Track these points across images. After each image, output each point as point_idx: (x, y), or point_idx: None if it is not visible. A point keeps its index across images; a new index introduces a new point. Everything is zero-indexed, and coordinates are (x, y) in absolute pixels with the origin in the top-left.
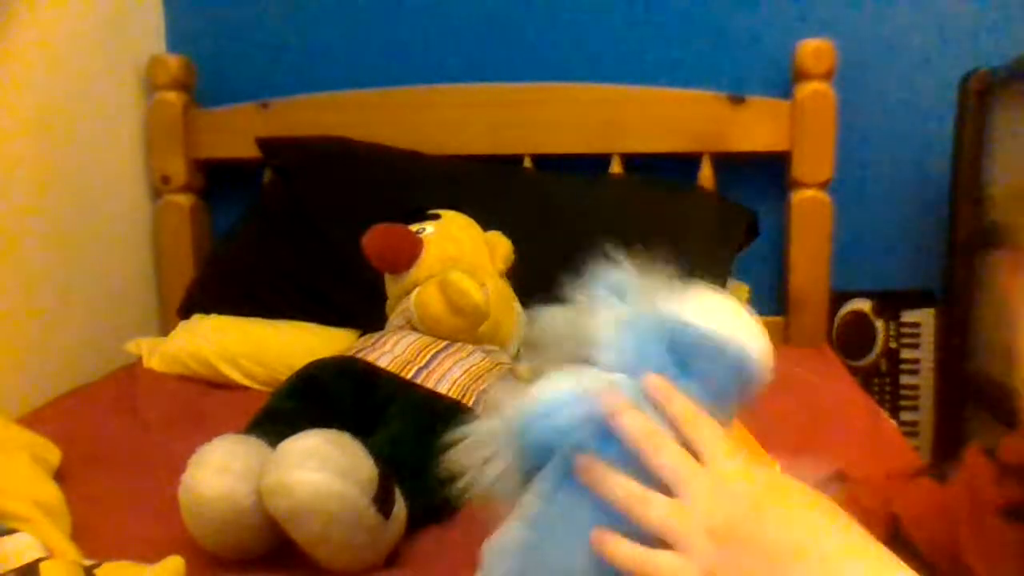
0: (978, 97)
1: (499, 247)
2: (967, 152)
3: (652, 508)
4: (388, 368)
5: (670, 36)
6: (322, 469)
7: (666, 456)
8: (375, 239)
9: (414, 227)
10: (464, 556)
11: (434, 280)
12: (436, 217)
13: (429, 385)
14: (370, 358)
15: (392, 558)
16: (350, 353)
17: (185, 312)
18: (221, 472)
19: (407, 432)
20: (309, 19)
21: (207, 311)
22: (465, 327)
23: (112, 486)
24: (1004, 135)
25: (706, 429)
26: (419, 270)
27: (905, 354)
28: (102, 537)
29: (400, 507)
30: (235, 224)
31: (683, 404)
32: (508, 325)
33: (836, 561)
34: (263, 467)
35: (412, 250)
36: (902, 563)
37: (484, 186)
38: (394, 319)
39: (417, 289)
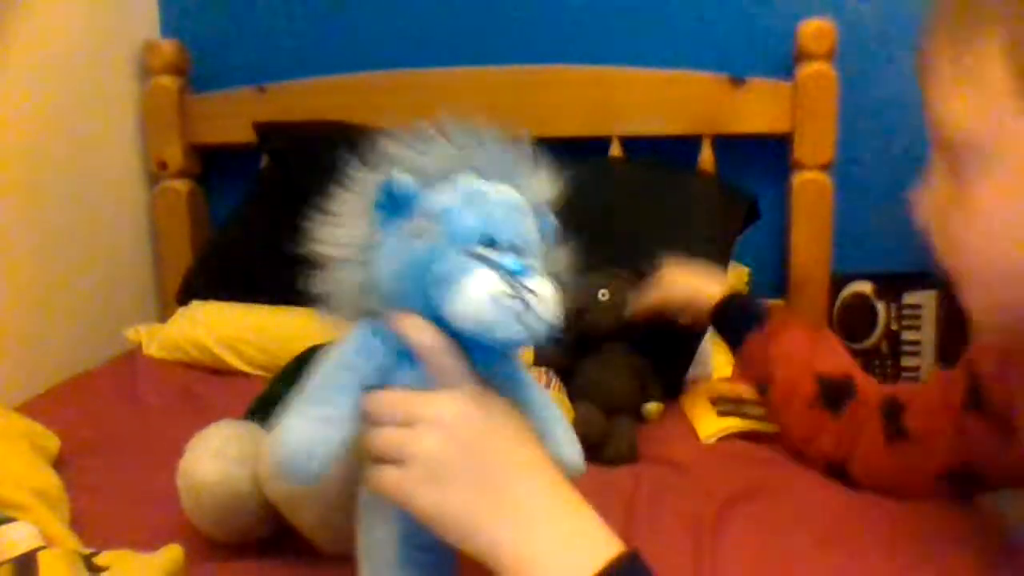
0: None
1: None
2: None
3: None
4: None
5: (670, 17)
6: None
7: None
8: None
9: None
10: None
11: None
12: None
13: None
14: None
15: None
16: None
17: (183, 298)
18: (217, 457)
19: None
20: (305, 2)
21: (205, 297)
22: None
23: (111, 474)
24: None
25: (449, 358)
26: None
27: (907, 336)
28: (101, 525)
29: None
30: (233, 209)
31: (432, 335)
32: None
33: (552, 484)
34: (259, 452)
35: None
36: (595, 519)
37: None
38: None
39: None
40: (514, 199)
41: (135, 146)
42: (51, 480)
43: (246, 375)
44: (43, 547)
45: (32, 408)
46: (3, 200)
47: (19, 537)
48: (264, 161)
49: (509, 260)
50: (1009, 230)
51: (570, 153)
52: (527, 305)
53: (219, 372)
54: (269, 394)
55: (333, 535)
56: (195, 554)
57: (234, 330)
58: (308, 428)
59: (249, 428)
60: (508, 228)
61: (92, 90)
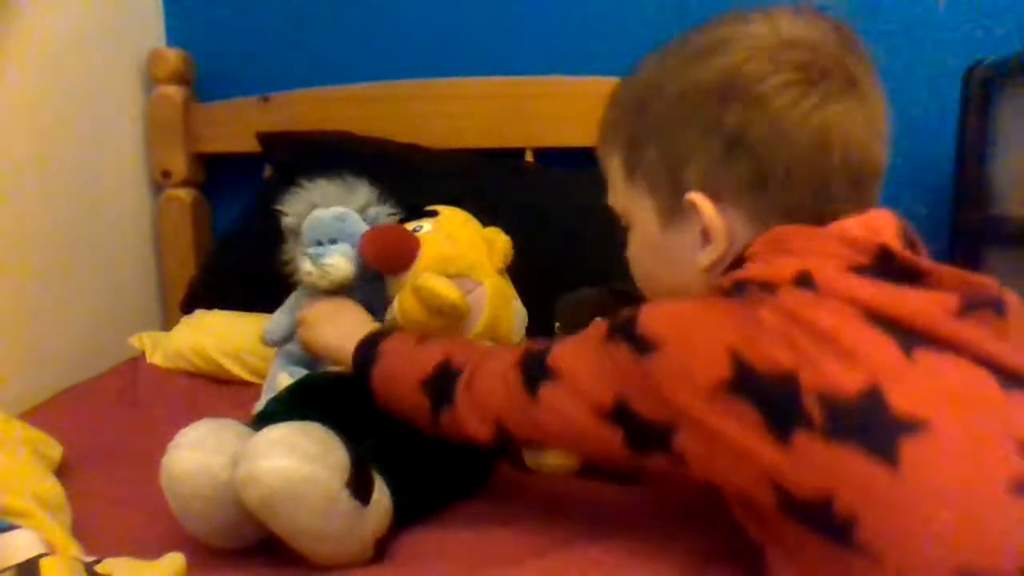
0: (982, 89)
1: (497, 243)
2: (971, 145)
3: None
4: None
5: (670, 29)
6: (289, 456)
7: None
8: (373, 241)
9: (410, 225)
10: (457, 553)
11: (408, 285)
12: (433, 214)
13: None
14: None
15: (382, 554)
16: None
17: (187, 307)
18: (194, 448)
19: (401, 427)
20: (309, 12)
21: (209, 306)
22: (450, 326)
23: (114, 482)
24: (1008, 127)
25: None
26: (415, 271)
27: None
28: (103, 533)
29: (382, 496)
30: (237, 219)
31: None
32: (507, 322)
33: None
34: (235, 458)
35: (409, 251)
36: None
37: (486, 180)
38: (388, 320)
39: (398, 296)
40: (335, 212)
41: (139, 155)
42: (53, 487)
43: (249, 384)
44: (45, 554)
45: (35, 415)
46: (7, 207)
47: (21, 544)
48: (268, 171)
49: (319, 249)
50: (639, 256)
51: (570, 163)
52: (323, 270)
53: (222, 381)
54: (264, 413)
55: (312, 540)
56: (197, 562)
57: (237, 339)
58: None
59: (228, 424)
60: (324, 230)
61: (97, 99)
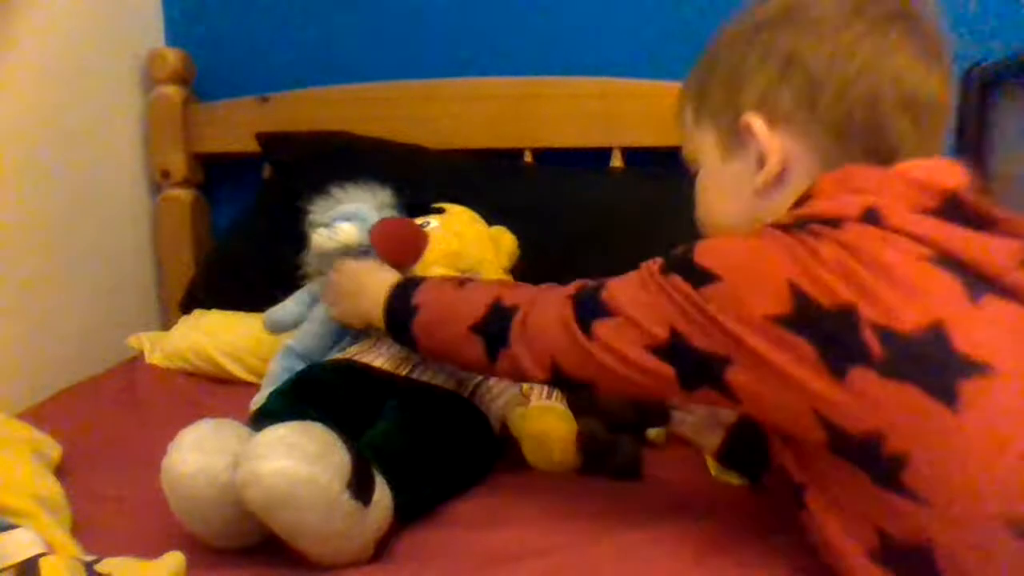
0: (982, 91)
1: (503, 243)
2: (970, 146)
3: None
4: (383, 367)
5: (670, 30)
6: (290, 457)
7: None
8: (383, 233)
9: (418, 221)
10: (457, 553)
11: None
12: (441, 211)
13: (424, 379)
14: (365, 360)
15: (383, 553)
16: (345, 356)
17: (186, 307)
18: (195, 449)
19: (401, 425)
20: (309, 12)
21: (208, 306)
22: None
23: (113, 482)
24: (1008, 129)
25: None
26: (422, 265)
27: None
28: (103, 533)
29: (383, 496)
30: (235, 219)
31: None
32: None
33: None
34: (236, 460)
35: (418, 245)
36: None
37: (485, 180)
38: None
39: None
40: (354, 205)
41: (138, 155)
42: (53, 487)
43: (247, 384)
44: (45, 554)
45: (34, 415)
46: (6, 207)
47: (21, 544)
48: (267, 171)
49: (336, 223)
50: (702, 193)
51: (571, 163)
52: (332, 232)
53: (221, 381)
54: (265, 411)
55: (313, 540)
56: (197, 561)
57: (236, 339)
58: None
59: (228, 424)
60: (340, 215)
61: (96, 99)
